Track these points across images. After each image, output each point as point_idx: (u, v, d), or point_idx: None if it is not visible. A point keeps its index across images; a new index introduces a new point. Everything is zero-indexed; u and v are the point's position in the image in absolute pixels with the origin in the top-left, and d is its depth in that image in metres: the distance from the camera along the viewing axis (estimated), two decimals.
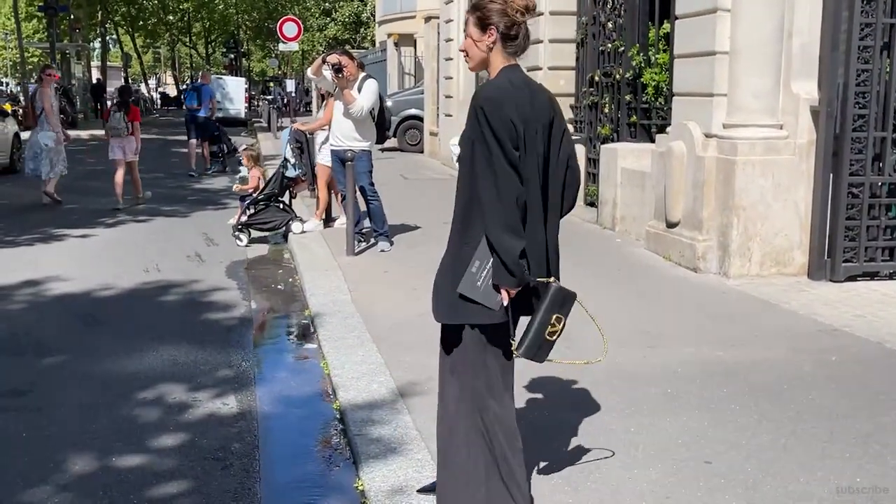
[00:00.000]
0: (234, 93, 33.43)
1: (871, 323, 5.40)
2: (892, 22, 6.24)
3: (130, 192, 11.41)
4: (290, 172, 8.71)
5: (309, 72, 8.09)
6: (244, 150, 9.82)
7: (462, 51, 2.80)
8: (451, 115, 16.02)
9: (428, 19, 18.81)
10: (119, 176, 11.04)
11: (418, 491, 3.17)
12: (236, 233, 8.63)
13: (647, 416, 3.90)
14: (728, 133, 6.71)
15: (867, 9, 6.18)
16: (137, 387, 4.53)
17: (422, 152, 18.94)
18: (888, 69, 6.33)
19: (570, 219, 9.51)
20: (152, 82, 75.62)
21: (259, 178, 9.09)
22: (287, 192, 8.95)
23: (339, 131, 7.78)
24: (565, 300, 2.72)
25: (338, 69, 7.47)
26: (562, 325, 2.72)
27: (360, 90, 7.62)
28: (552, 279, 2.76)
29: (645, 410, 3.96)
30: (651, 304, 5.99)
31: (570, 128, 10.73)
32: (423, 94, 19.29)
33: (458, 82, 15.61)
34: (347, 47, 25.76)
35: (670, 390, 4.22)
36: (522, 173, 2.59)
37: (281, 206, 8.82)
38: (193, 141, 15.71)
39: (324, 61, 7.67)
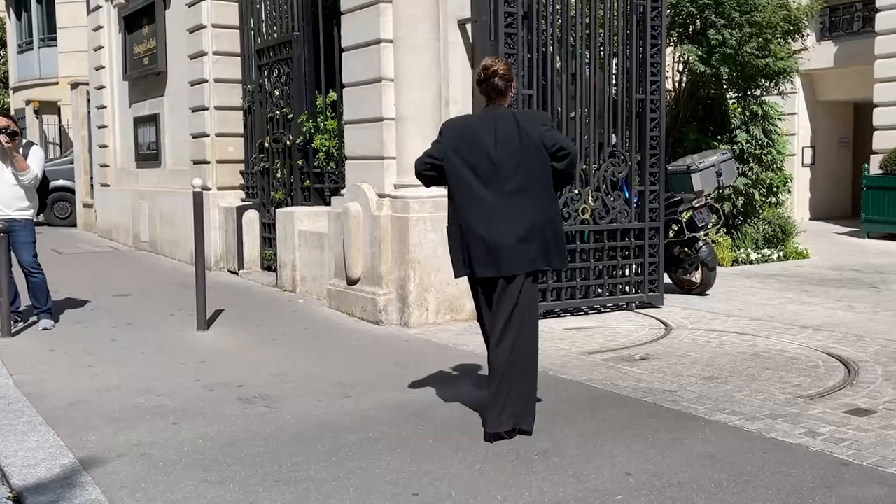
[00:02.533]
0: None
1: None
2: (529, 93, 7.15)
3: None
4: None
5: None
6: None
7: None
8: (108, 185, 15.14)
9: (75, 85, 17.69)
10: None
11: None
12: None
13: (354, 460, 3.99)
14: (400, 193, 7.18)
15: None
16: None
17: (74, 226, 17.62)
18: None
19: (250, 285, 9.52)
20: None
21: None
22: None
23: None
24: None
25: (13, 133, 6.86)
26: None
27: (26, 157, 7.03)
28: None
29: (351, 456, 4.05)
30: (341, 357, 6.14)
31: (242, 194, 10.72)
32: (72, 163, 18.03)
33: (115, 150, 14.85)
34: None
35: (371, 434, 4.36)
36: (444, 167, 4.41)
37: None
38: None
39: None
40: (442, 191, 7.24)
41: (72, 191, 18.01)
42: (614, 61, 7.72)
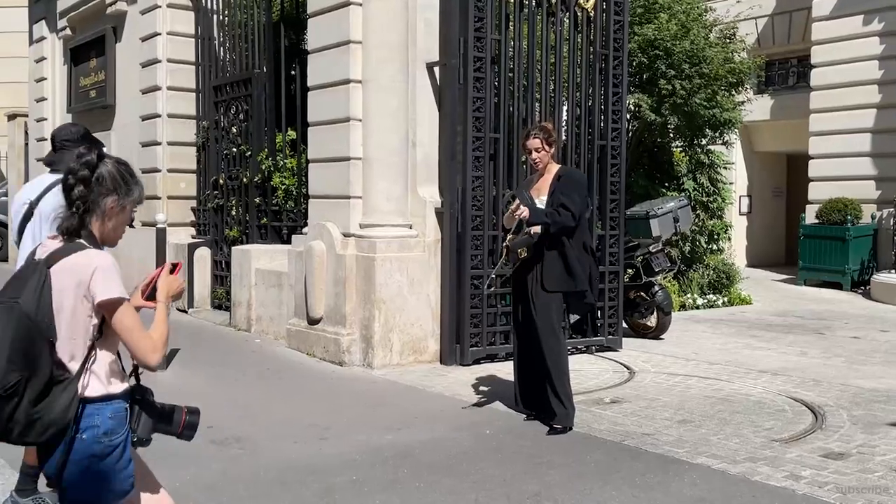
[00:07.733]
0: None
1: (506, 399, 5.99)
2: (496, 136, 7.22)
3: None
4: None
5: None
6: None
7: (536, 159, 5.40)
8: None
9: (13, 117, 17.19)
10: None
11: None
12: None
13: None
14: (365, 232, 7.14)
15: (476, 125, 7.09)
16: None
17: (6, 260, 16.96)
18: (495, 176, 7.29)
19: (202, 323, 9.29)
20: None
21: None
22: None
23: None
24: None
25: None
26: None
27: None
28: None
29: (339, 500, 3.96)
30: (308, 398, 6.02)
31: (193, 231, 10.53)
32: (6, 196, 17.41)
33: None
34: None
35: (356, 477, 4.27)
36: None
37: None
38: None
39: None
40: (407, 231, 7.26)
41: (5, 225, 17.36)
42: (578, 108, 7.86)
